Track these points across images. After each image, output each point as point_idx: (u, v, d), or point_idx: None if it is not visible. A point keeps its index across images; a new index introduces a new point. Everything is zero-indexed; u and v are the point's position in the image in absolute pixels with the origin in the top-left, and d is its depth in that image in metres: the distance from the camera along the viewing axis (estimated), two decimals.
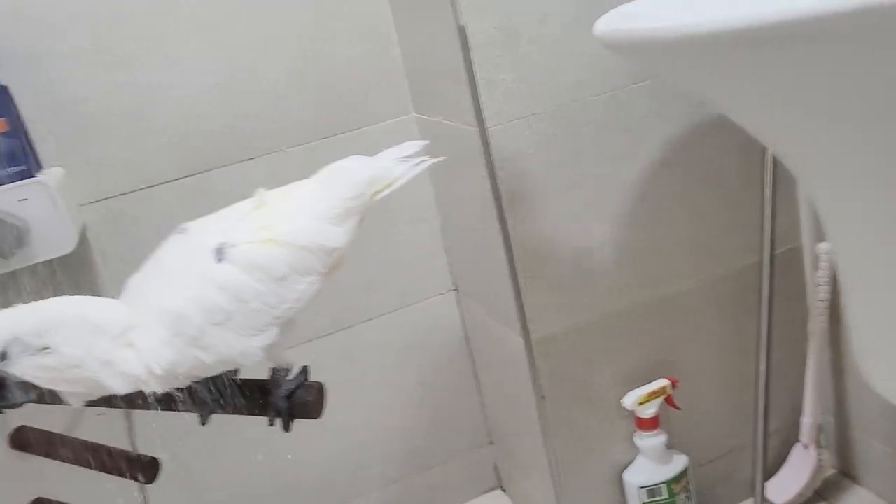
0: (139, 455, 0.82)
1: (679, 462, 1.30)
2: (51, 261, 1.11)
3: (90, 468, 0.84)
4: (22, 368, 0.64)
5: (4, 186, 1.06)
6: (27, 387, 0.66)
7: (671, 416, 1.30)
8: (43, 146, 1.16)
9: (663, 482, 1.28)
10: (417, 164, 0.84)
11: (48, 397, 0.66)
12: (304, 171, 1.38)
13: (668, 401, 1.27)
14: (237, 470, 1.40)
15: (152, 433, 0.88)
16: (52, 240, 1.08)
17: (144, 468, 0.82)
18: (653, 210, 1.23)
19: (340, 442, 1.46)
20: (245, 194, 1.35)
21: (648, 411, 1.26)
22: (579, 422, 1.28)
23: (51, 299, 0.67)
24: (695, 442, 1.35)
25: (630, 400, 1.25)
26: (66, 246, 1.10)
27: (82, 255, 1.21)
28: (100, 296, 1.31)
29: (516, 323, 1.22)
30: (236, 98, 1.26)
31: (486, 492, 1.62)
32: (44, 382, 0.66)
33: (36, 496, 0.90)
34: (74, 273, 1.22)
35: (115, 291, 1.30)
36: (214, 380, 0.73)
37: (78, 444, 0.85)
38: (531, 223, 1.16)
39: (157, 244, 1.30)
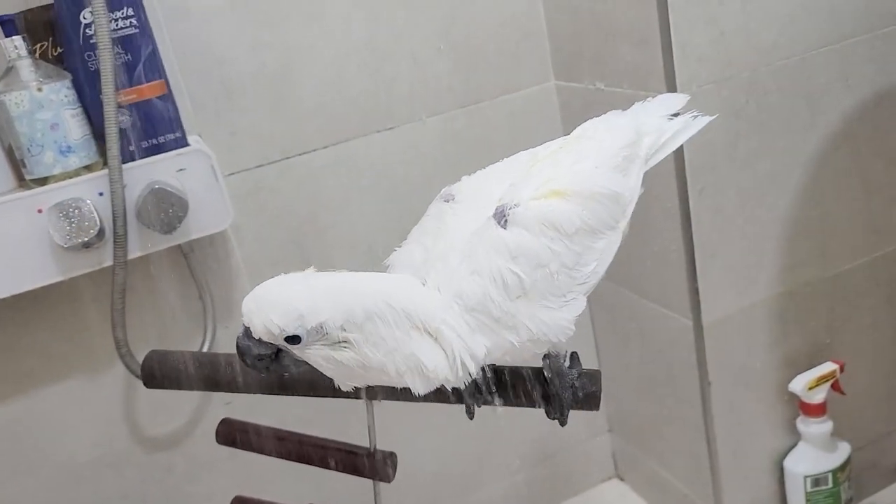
0: (376, 450, 0.73)
1: (843, 450, 1.24)
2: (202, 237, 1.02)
3: (311, 464, 0.76)
4: (309, 354, 0.56)
5: (163, 155, 0.96)
6: (301, 364, 0.57)
7: (833, 401, 1.23)
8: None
9: (829, 471, 1.22)
10: (694, 119, 0.72)
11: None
12: (444, 143, 1.32)
13: (835, 386, 1.21)
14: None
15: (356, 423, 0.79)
16: (209, 214, 0.99)
17: (381, 464, 0.73)
18: (828, 183, 1.15)
19: (462, 431, 1.38)
20: (383, 167, 1.31)
21: (817, 396, 1.19)
22: (740, 407, 1.21)
23: (352, 275, 0.57)
24: (854, 429, 1.29)
25: (799, 384, 1.19)
26: (224, 221, 1.01)
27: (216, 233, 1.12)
28: (232, 278, 1.23)
29: (685, 305, 1.15)
30: (380, 61, 1.17)
31: (603, 481, 1.55)
32: (326, 371, 0.58)
33: (237, 495, 0.81)
34: (203, 249, 1.13)
35: (248, 271, 1.22)
36: (493, 369, 0.65)
37: (293, 438, 0.76)
38: (712, 197, 1.09)
39: (292, 220, 1.24)
